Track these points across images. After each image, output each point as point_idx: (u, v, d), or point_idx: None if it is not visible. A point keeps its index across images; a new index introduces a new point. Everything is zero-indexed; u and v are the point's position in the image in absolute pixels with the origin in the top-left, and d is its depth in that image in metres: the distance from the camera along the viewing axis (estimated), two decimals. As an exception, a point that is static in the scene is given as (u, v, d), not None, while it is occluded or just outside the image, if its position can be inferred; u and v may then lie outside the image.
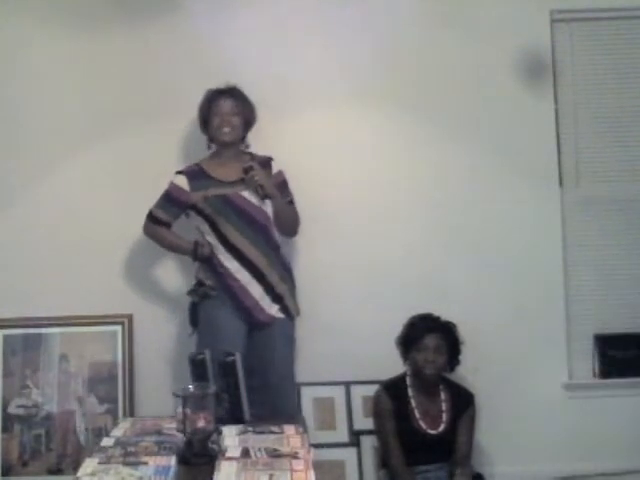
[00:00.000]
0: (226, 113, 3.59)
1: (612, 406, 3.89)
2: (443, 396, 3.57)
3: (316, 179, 3.83)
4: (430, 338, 3.51)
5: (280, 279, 3.58)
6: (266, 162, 3.66)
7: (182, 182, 3.57)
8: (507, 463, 3.83)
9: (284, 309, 3.59)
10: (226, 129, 3.58)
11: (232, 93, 3.62)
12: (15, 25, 3.90)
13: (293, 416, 3.31)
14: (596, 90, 3.99)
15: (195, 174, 3.58)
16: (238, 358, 3.01)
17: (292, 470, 2.33)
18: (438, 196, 3.93)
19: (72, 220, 3.87)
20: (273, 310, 3.56)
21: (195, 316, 3.58)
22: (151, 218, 3.60)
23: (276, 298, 3.57)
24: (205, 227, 3.57)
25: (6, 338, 3.84)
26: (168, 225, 3.61)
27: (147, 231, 3.64)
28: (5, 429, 3.78)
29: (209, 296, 3.53)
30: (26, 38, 3.89)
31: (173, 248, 3.68)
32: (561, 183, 3.98)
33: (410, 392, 3.56)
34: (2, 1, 3.89)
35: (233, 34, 3.87)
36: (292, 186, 3.70)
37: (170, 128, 3.84)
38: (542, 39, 3.94)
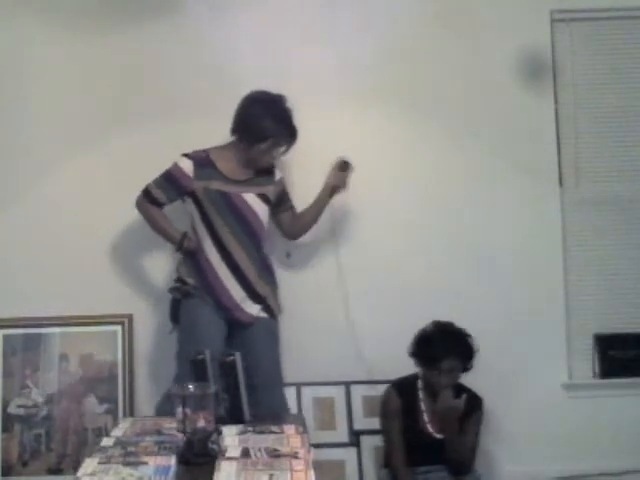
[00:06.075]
0: (278, 156, 3.58)
1: (612, 406, 3.89)
2: (452, 400, 3.55)
3: (315, 179, 3.82)
4: (448, 361, 3.40)
5: (265, 282, 3.57)
6: (270, 169, 3.65)
7: (187, 166, 3.50)
8: (507, 463, 3.83)
9: (267, 309, 3.59)
10: (265, 163, 3.56)
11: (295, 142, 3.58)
12: (15, 25, 3.90)
13: (292, 416, 3.31)
14: (596, 90, 4.00)
15: (202, 162, 3.51)
16: (238, 358, 3.00)
17: (292, 470, 2.32)
18: (438, 196, 3.93)
19: (72, 220, 3.87)
20: (254, 310, 3.54)
21: (176, 313, 3.57)
22: (147, 195, 3.53)
23: (258, 299, 3.55)
24: (197, 215, 3.53)
25: (6, 338, 3.84)
26: (162, 205, 3.55)
27: (139, 207, 3.56)
28: (5, 429, 3.78)
29: (191, 294, 3.52)
30: (26, 38, 3.89)
31: (160, 232, 3.58)
32: (561, 183, 3.98)
33: (421, 395, 3.52)
34: (2, 1, 3.89)
35: (233, 34, 3.87)
36: (291, 185, 3.74)
37: (170, 128, 3.83)
38: (542, 39, 3.94)
